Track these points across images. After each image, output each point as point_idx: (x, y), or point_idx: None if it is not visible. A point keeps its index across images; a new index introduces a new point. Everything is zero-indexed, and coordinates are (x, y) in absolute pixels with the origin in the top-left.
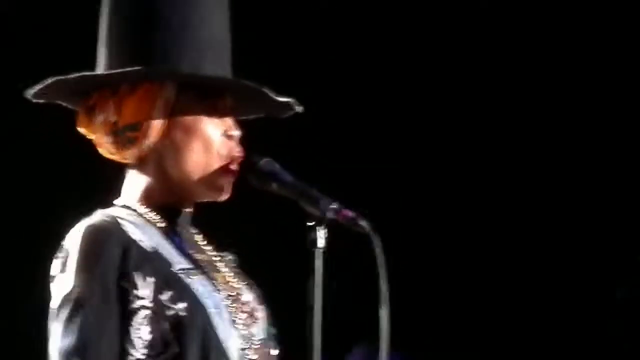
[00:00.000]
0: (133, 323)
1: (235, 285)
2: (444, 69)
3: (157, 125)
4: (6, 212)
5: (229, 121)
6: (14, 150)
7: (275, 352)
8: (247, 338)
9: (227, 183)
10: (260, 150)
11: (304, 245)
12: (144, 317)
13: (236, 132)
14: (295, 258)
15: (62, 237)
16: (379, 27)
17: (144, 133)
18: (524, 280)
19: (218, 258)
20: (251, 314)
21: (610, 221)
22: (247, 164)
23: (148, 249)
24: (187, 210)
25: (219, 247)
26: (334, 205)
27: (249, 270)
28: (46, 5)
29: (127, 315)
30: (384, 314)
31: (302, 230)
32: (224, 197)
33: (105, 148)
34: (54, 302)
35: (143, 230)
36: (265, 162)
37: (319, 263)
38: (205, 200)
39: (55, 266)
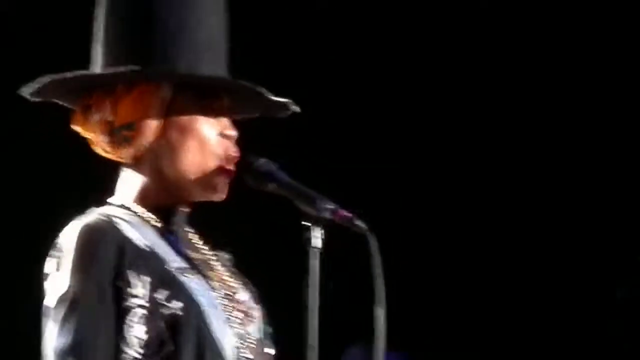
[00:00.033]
0: (128, 322)
1: (231, 285)
2: (443, 68)
3: (153, 125)
4: (3, 211)
5: (225, 121)
6: (12, 150)
7: (271, 351)
8: (243, 337)
9: (223, 183)
10: (256, 151)
11: (300, 245)
12: (140, 316)
13: (232, 132)
14: (291, 258)
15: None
16: (377, 27)
17: (139, 132)
18: (523, 280)
19: (214, 257)
20: (247, 313)
21: (610, 221)
22: (244, 164)
23: (143, 248)
24: (183, 209)
25: (215, 246)
26: (330, 206)
27: (245, 269)
28: (46, 5)
29: (122, 314)
30: (380, 313)
31: (299, 230)
32: (220, 197)
33: (101, 147)
34: (49, 301)
35: (138, 229)
36: (261, 162)
37: (315, 263)
38: (201, 200)
39: (49, 265)
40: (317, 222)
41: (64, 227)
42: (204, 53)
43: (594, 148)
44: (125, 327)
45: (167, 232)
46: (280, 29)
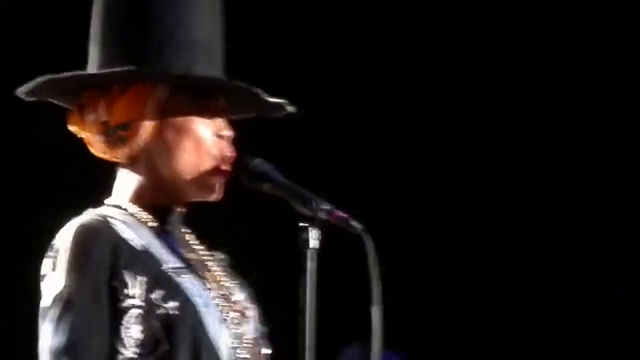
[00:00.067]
0: (124, 322)
1: (227, 285)
2: (441, 68)
3: (148, 125)
4: (0, 211)
5: (221, 122)
6: (11, 150)
7: (266, 351)
8: (238, 337)
9: (219, 183)
10: (252, 151)
11: (296, 246)
12: (135, 316)
13: (228, 133)
14: (287, 258)
15: (53, 237)
16: (375, 27)
17: (135, 132)
18: (522, 280)
19: (209, 257)
20: (242, 313)
21: (610, 221)
22: (239, 164)
23: (139, 248)
24: (179, 209)
25: (211, 246)
26: (326, 206)
27: (241, 270)
28: (46, 5)
29: (117, 314)
30: (376, 313)
31: (294, 231)
32: (216, 197)
33: (97, 147)
34: (45, 301)
35: (134, 229)
36: (257, 163)
37: (311, 263)
38: (197, 200)
39: (45, 265)
40: (312, 222)
41: (61, 227)
42: (200, 53)
43: (593, 149)
44: (121, 327)
45: (162, 232)
46: (278, 29)
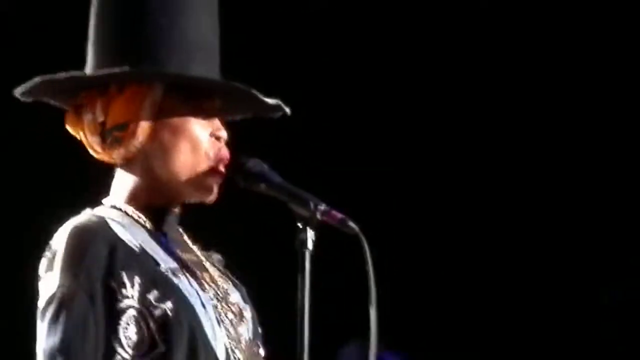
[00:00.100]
0: (120, 323)
1: (223, 285)
2: (439, 71)
3: (144, 126)
4: None
5: (216, 122)
6: (10, 150)
7: (262, 352)
8: (234, 338)
9: (214, 184)
10: (248, 151)
11: (293, 246)
12: (131, 317)
13: (224, 134)
14: (283, 259)
15: (50, 237)
16: (372, 28)
17: (131, 133)
18: (519, 281)
19: (205, 258)
20: (238, 314)
21: (604, 224)
22: (235, 164)
23: (135, 249)
24: (175, 210)
25: (206, 247)
26: (323, 207)
27: (236, 270)
28: (46, 5)
29: (114, 314)
30: (372, 314)
31: (290, 231)
32: (211, 198)
33: (93, 148)
34: (41, 302)
35: (130, 230)
36: (253, 163)
37: (307, 264)
38: (193, 201)
39: (42, 265)
40: (309, 223)
41: (58, 228)
42: (195, 52)
43: (587, 152)
44: (117, 327)
45: (158, 233)
46: (274, 30)
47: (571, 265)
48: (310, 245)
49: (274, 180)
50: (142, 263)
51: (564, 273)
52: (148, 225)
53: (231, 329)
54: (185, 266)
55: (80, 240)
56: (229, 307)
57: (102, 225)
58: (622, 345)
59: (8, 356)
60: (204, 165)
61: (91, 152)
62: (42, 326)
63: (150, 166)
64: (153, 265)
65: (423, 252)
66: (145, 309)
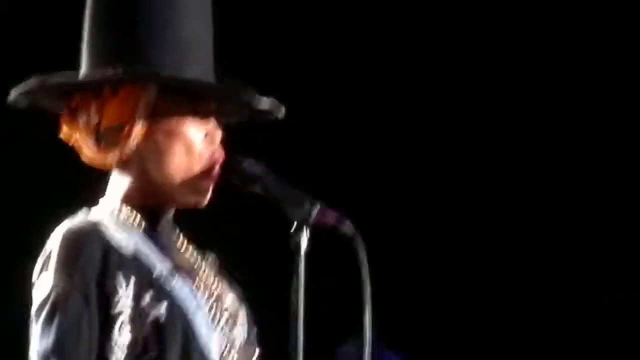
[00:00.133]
0: (114, 325)
1: (217, 287)
2: (435, 71)
3: (138, 128)
4: None
5: (211, 124)
6: (5, 151)
7: (257, 354)
8: (229, 340)
9: (207, 188)
10: (244, 150)
11: (287, 247)
12: (125, 319)
13: (219, 135)
14: (278, 259)
15: (47, 239)
16: (370, 28)
17: (126, 135)
18: (518, 281)
19: (199, 260)
20: (233, 316)
21: (604, 224)
22: (230, 164)
23: (129, 252)
24: (169, 212)
25: (200, 248)
26: (318, 207)
27: (231, 271)
28: (46, 5)
29: (108, 316)
30: (367, 315)
31: (285, 232)
32: (204, 201)
33: (88, 151)
34: (35, 304)
35: (124, 232)
36: (248, 163)
37: (302, 265)
38: (186, 204)
39: (37, 268)
40: (304, 223)
41: (53, 229)
42: (189, 53)
43: (586, 152)
44: (110, 329)
45: (153, 235)
46: (270, 30)
47: (571, 265)
48: (305, 245)
49: (269, 180)
50: (136, 265)
51: (563, 273)
52: (143, 226)
53: (225, 331)
54: (179, 268)
55: (75, 242)
56: (222, 309)
57: (97, 227)
58: (622, 345)
59: (3, 356)
60: (197, 168)
61: (85, 157)
62: (36, 327)
63: (145, 168)
64: (147, 267)
65: (422, 251)
66: (139, 312)
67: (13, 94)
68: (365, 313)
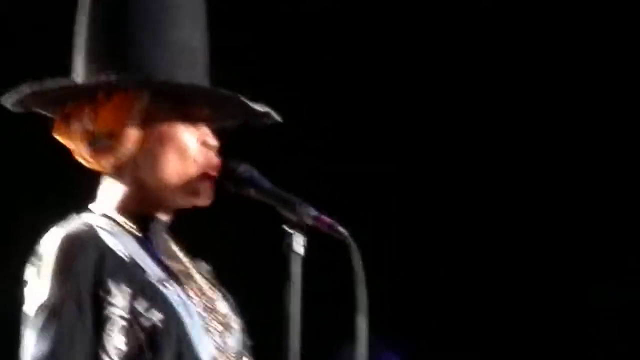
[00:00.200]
0: (108, 332)
1: (211, 295)
2: (438, 70)
3: (132, 134)
4: None
5: (206, 130)
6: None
7: None
8: (222, 348)
9: (206, 187)
10: (241, 152)
11: (282, 252)
12: (119, 326)
13: (213, 140)
14: (272, 265)
15: (36, 242)
16: (368, 29)
17: (119, 141)
18: (517, 282)
19: (193, 267)
20: (226, 324)
21: (604, 224)
22: (225, 170)
23: (124, 258)
24: (163, 218)
25: (195, 256)
26: (312, 212)
27: (225, 277)
28: (46, 5)
29: (102, 324)
30: (361, 320)
31: (280, 237)
32: (205, 201)
33: (82, 156)
34: (28, 309)
35: (119, 238)
36: (243, 168)
37: (297, 270)
38: (185, 206)
39: (30, 272)
40: (298, 228)
41: (44, 233)
42: (182, 60)
43: (586, 152)
44: (105, 337)
45: (147, 242)
46: (269, 31)
47: (571, 265)
48: (299, 250)
49: (264, 185)
50: (130, 272)
51: (563, 273)
52: (137, 233)
53: (218, 340)
54: (173, 276)
55: (70, 249)
56: (216, 317)
57: (91, 234)
58: (621, 345)
59: None
60: (193, 172)
61: (81, 160)
62: (30, 333)
63: (139, 174)
64: (142, 274)
65: (419, 252)
66: (133, 319)
67: (5, 101)
68: (360, 317)
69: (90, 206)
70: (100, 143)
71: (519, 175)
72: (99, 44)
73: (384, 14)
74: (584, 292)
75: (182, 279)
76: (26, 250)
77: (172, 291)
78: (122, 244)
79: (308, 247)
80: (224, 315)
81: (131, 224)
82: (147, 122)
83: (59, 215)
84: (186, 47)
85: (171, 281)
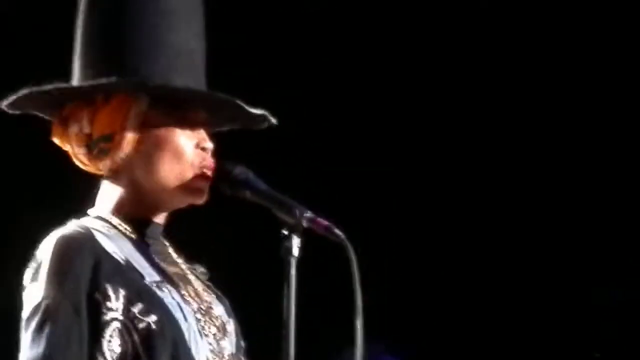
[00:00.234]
0: (104, 335)
1: (206, 298)
2: (437, 71)
3: (129, 137)
4: None
5: (202, 133)
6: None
7: None
8: (217, 352)
9: (202, 186)
10: (233, 158)
11: (278, 254)
12: (115, 329)
13: (209, 144)
14: (269, 267)
15: (34, 244)
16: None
17: (117, 145)
18: (517, 283)
19: (189, 270)
20: (221, 328)
21: (604, 224)
22: (221, 172)
23: (120, 261)
24: (159, 222)
25: (191, 258)
26: (309, 214)
27: (222, 279)
28: (46, 5)
29: (98, 327)
30: (358, 323)
31: (276, 239)
32: (201, 200)
33: (79, 159)
34: (25, 312)
35: (115, 241)
36: (239, 170)
37: (293, 271)
38: (182, 205)
39: (27, 276)
40: (295, 230)
41: (43, 238)
42: (179, 62)
43: (584, 152)
44: (101, 339)
45: (143, 245)
46: (266, 32)
47: (571, 265)
48: (296, 252)
49: (260, 187)
50: (127, 275)
51: (563, 273)
52: (133, 236)
53: (214, 343)
54: (169, 278)
55: (66, 252)
56: (212, 320)
57: (88, 237)
58: (621, 346)
59: None
60: (189, 175)
61: (78, 163)
62: (25, 336)
63: (135, 177)
64: (138, 277)
65: (418, 254)
66: (129, 322)
67: (3, 104)
68: (357, 321)
69: (88, 210)
70: (98, 146)
71: (519, 176)
72: (96, 48)
73: (381, 14)
74: (584, 292)
75: (177, 281)
76: (25, 253)
77: (167, 294)
78: (118, 246)
79: (304, 250)
80: (219, 319)
81: (127, 227)
82: (145, 125)
83: (57, 217)
84: (183, 50)
85: (167, 284)
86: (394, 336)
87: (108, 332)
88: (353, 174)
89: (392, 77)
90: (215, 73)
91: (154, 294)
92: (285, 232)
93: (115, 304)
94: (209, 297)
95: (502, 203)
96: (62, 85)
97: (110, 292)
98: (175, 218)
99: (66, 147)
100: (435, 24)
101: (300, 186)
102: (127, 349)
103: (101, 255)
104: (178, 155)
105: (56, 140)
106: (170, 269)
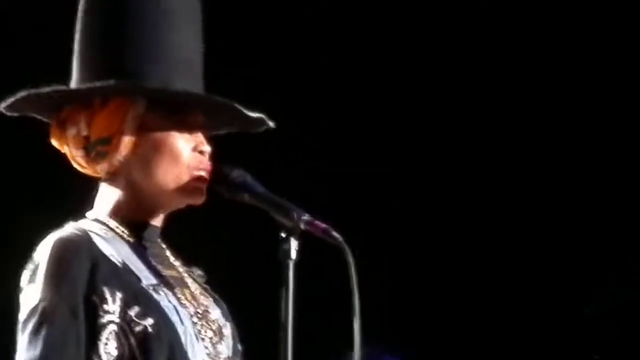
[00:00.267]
0: (101, 337)
1: (203, 302)
2: (437, 71)
3: (127, 140)
4: None
5: (200, 137)
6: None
7: None
8: (214, 355)
9: (200, 186)
10: (230, 160)
11: (276, 257)
12: (111, 332)
13: (207, 148)
14: (267, 269)
15: (33, 246)
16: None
17: (114, 147)
18: (515, 283)
19: (186, 273)
20: (218, 331)
21: (605, 223)
22: (219, 175)
23: (117, 264)
24: (156, 224)
25: (189, 261)
26: (306, 216)
27: (219, 282)
28: (46, 5)
29: (94, 329)
30: (356, 325)
31: (274, 242)
32: (200, 199)
33: (77, 161)
34: (22, 314)
35: (112, 244)
36: (237, 173)
37: (291, 274)
38: (180, 206)
39: (24, 278)
40: (292, 233)
41: (41, 241)
42: (177, 66)
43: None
44: (97, 342)
45: (140, 248)
46: (267, 32)
47: (570, 265)
48: (293, 255)
49: (257, 190)
50: (124, 278)
51: (563, 273)
52: (130, 239)
53: (210, 346)
54: (166, 282)
55: (64, 254)
56: (208, 324)
57: (85, 239)
58: (622, 346)
59: None
60: (186, 177)
61: (76, 165)
62: (22, 338)
63: (133, 180)
64: (135, 280)
65: (417, 255)
66: (126, 325)
67: (1, 107)
68: (355, 324)
69: (86, 213)
70: (95, 149)
71: (518, 176)
72: (94, 50)
73: (381, 15)
74: (584, 292)
75: (174, 284)
76: (24, 253)
77: (164, 297)
78: (116, 249)
79: (302, 252)
80: (216, 322)
81: (125, 230)
82: (142, 128)
83: (56, 218)
84: (182, 54)
85: (163, 287)
86: (394, 336)
87: (104, 335)
88: (350, 176)
89: (392, 78)
90: (213, 74)
91: (151, 297)
92: (283, 235)
93: (112, 306)
94: (206, 300)
95: (502, 203)
96: (60, 87)
97: (107, 295)
98: (173, 221)
99: (64, 150)
100: (435, 24)
101: (298, 188)
102: (123, 352)
103: (98, 258)
104: (175, 158)
105: (54, 143)
106: (167, 272)
